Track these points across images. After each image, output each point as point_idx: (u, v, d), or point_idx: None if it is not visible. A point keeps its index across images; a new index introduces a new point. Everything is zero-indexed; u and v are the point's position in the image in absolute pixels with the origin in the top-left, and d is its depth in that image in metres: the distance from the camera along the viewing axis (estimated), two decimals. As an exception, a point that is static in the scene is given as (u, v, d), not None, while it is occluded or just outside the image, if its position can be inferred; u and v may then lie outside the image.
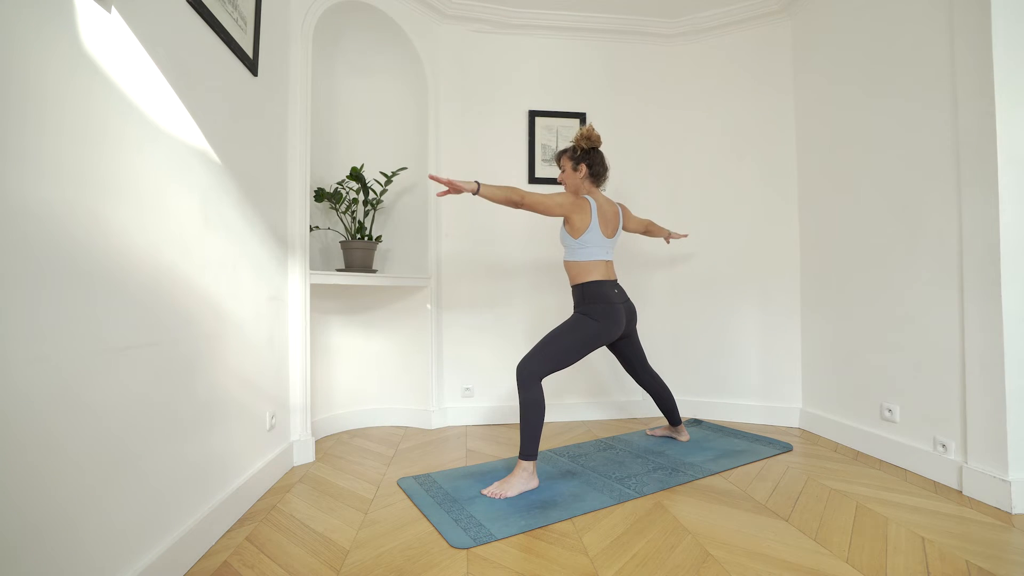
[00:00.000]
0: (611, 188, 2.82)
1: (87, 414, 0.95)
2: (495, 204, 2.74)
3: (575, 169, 2.07)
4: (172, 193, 1.24)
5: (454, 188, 1.78)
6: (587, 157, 2.07)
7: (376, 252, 2.75)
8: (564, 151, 2.12)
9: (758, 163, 2.76)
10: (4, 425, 0.78)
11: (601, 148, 2.12)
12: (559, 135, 2.88)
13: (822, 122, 2.48)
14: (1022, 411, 1.60)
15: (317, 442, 2.39)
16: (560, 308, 2.81)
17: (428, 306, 2.65)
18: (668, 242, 2.61)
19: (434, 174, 2.12)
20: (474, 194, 1.81)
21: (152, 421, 1.15)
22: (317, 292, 2.42)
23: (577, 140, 2.07)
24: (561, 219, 2.28)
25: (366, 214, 2.65)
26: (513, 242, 2.83)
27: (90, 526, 0.96)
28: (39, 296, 0.85)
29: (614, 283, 2.04)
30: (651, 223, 2.43)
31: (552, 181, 2.84)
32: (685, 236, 2.60)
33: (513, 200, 1.85)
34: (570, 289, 2.67)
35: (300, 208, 2.11)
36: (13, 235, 0.80)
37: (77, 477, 0.93)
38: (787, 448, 2.24)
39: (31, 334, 0.83)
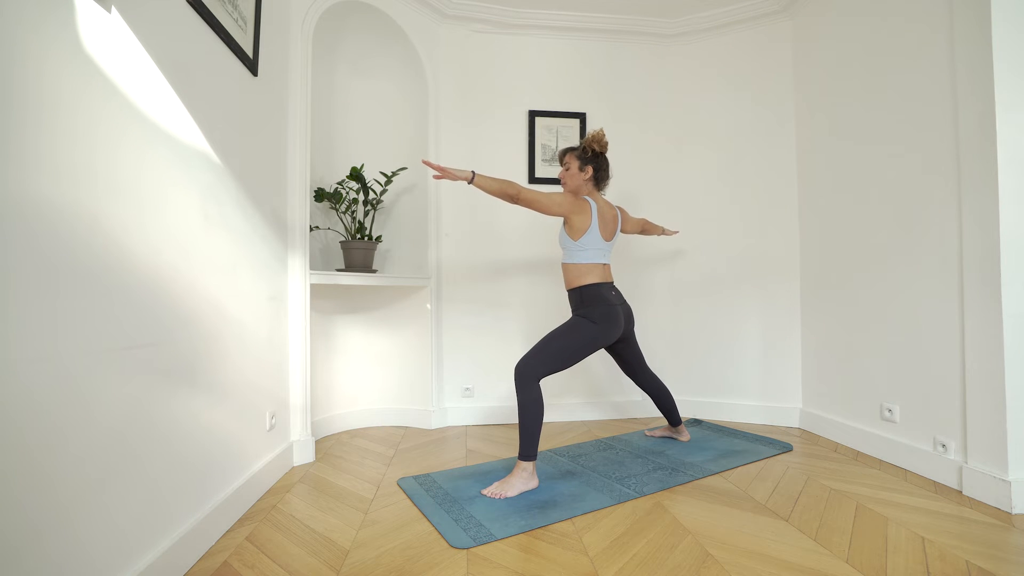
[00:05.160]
0: (611, 189, 2.82)
1: (88, 414, 0.95)
2: (494, 204, 2.76)
3: (581, 169, 2.06)
4: (172, 193, 1.24)
5: (448, 175, 1.79)
6: (595, 161, 2.06)
7: (376, 252, 2.75)
8: (571, 149, 2.10)
9: (758, 162, 2.76)
10: (6, 424, 0.78)
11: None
12: (559, 135, 2.88)
13: (822, 122, 2.48)
14: (1022, 411, 1.60)
15: (317, 442, 2.39)
16: (560, 308, 2.81)
17: (428, 306, 2.65)
18: (659, 235, 2.61)
19: (427, 159, 2.12)
20: (469, 183, 1.82)
21: (152, 421, 1.15)
22: (317, 292, 2.42)
23: (588, 142, 2.06)
24: (561, 221, 2.28)
25: (366, 214, 2.65)
26: (513, 242, 2.83)
27: (91, 526, 0.96)
28: (41, 295, 0.85)
29: (611, 285, 2.04)
30: (646, 221, 2.43)
31: (552, 181, 2.84)
32: (677, 232, 2.60)
33: (509, 194, 1.85)
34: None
35: (300, 208, 2.11)
36: (14, 234, 0.80)
37: (78, 477, 0.93)
38: (787, 448, 2.24)
39: (33, 333, 0.83)
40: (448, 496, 1.72)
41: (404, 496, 1.75)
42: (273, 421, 1.89)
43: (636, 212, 2.89)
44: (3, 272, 0.79)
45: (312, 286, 2.28)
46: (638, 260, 2.93)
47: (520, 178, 2.85)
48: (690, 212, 2.90)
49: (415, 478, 1.90)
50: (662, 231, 2.52)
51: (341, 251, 2.59)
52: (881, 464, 2.04)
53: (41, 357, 0.85)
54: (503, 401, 2.79)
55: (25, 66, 0.83)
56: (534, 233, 2.84)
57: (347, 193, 2.56)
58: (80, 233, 0.94)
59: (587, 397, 2.89)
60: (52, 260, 0.88)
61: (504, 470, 1.97)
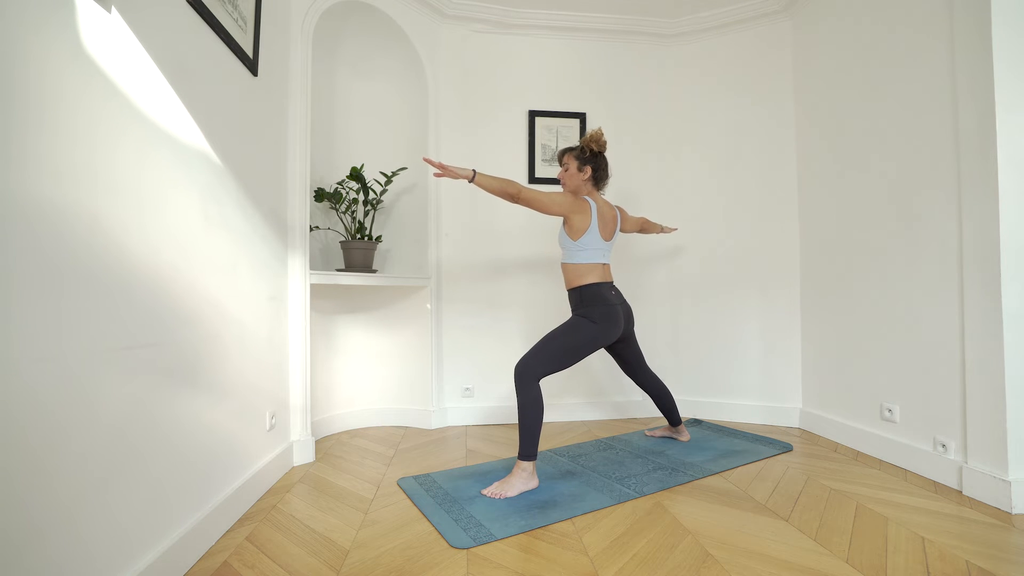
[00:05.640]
0: (611, 189, 2.82)
1: (89, 414, 0.95)
2: (494, 203, 2.76)
3: (580, 170, 2.06)
4: (172, 193, 1.24)
5: (448, 173, 1.79)
6: (594, 160, 2.06)
7: (376, 252, 2.75)
8: (570, 149, 2.10)
9: (758, 162, 2.76)
10: (8, 424, 0.78)
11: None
12: (559, 135, 2.88)
13: (822, 122, 2.48)
14: (1022, 411, 1.60)
15: (317, 442, 2.39)
16: (560, 308, 2.81)
17: (428, 306, 2.65)
18: (657, 233, 2.62)
19: (428, 157, 2.12)
20: (470, 181, 1.82)
21: (153, 421, 1.16)
22: (317, 292, 2.42)
23: (586, 142, 2.06)
24: (561, 221, 2.28)
25: (366, 214, 2.65)
26: (513, 242, 2.83)
27: (91, 525, 0.96)
28: (42, 295, 0.85)
29: (611, 285, 2.04)
30: (645, 220, 2.44)
31: (553, 181, 2.84)
32: (675, 230, 2.61)
33: (509, 193, 1.85)
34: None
35: (300, 208, 2.11)
36: (15, 234, 0.80)
37: (79, 476, 0.93)
38: (787, 448, 2.24)
39: (34, 333, 0.83)
40: (448, 496, 1.72)
41: (404, 496, 1.75)
42: (273, 421, 1.89)
43: (636, 212, 2.89)
44: (6, 272, 0.79)
45: (312, 286, 2.28)
46: (638, 260, 2.93)
47: (520, 178, 2.85)
48: (690, 212, 2.90)
49: (415, 478, 1.90)
50: (661, 229, 2.53)
51: (341, 251, 2.59)
52: (881, 464, 2.04)
53: (44, 357, 0.85)
54: (503, 401, 2.79)
55: (27, 66, 0.83)
56: (534, 233, 2.84)
57: (347, 193, 2.56)
58: (81, 233, 0.94)
59: (587, 397, 2.89)
60: (54, 260, 0.88)
61: (504, 470, 1.97)
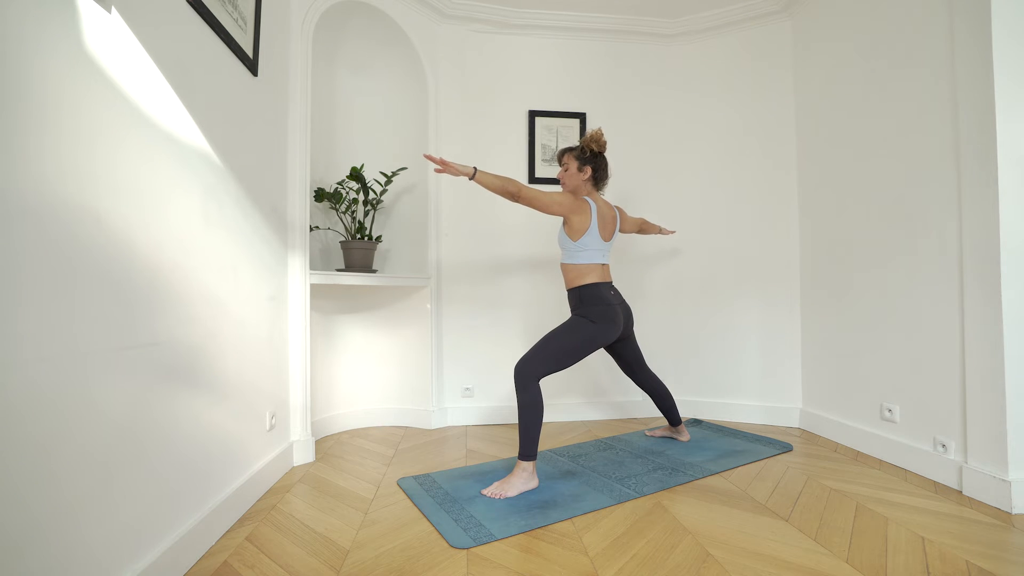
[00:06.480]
0: (611, 189, 2.82)
1: (89, 414, 0.95)
2: (495, 203, 2.77)
3: (580, 170, 2.05)
4: (172, 193, 1.24)
5: (449, 169, 1.79)
6: (594, 160, 2.06)
7: (376, 252, 2.75)
8: (570, 149, 2.10)
9: (758, 163, 2.76)
10: (9, 424, 0.78)
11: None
12: (559, 135, 2.88)
13: (822, 122, 2.48)
14: (1022, 411, 1.60)
15: (317, 442, 2.39)
16: (560, 308, 2.81)
17: (428, 306, 2.65)
18: (656, 234, 2.62)
19: (430, 154, 2.13)
20: (470, 179, 1.82)
21: (153, 421, 1.16)
22: (317, 292, 2.42)
23: (586, 142, 2.06)
24: (560, 221, 2.28)
25: (366, 214, 2.65)
26: (513, 242, 2.83)
27: (92, 525, 0.96)
28: (44, 296, 0.85)
29: (610, 285, 2.04)
30: (644, 221, 2.43)
31: (552, 181, 2.84)
32: (674, 232, 2.61)
33: (510, 191, 1.85)
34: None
35: (300, 208, 2.11)
36: (17, 235, 0.80)
37: (79, 476, 0.93)
38: (787, 448, 2.24)
39: (36, 333, 0.83)
40: (448, 496, 1.72)
41: (404, 496, 1.75)
42: (273, 421, 1.89)
43: (635, 212, 2.89)
44: (11, 271, 0.79)
45: (312, 286, 2.28)
46: (638, 260, 2.93)
47: (521, 178, 2.85)
48: (690, 212, 2.90)
49: (415, 478, 1.90)
50: (660, 230, 2.53)
51: (341, 251, 2.59)
52: (881, 464, 2.04)
53: (44, 357, 0.85)
54: (503, 401, 2.79)
55: (27, 67, 0.83)
56: (534, 233, 2.84)
57: (347, 193, 2.56)
58: (82, 234, 0.94)
59: (587, 397, 2.89)
60: (56, 261, 0.88)
61: (504, 470, 1.97)
